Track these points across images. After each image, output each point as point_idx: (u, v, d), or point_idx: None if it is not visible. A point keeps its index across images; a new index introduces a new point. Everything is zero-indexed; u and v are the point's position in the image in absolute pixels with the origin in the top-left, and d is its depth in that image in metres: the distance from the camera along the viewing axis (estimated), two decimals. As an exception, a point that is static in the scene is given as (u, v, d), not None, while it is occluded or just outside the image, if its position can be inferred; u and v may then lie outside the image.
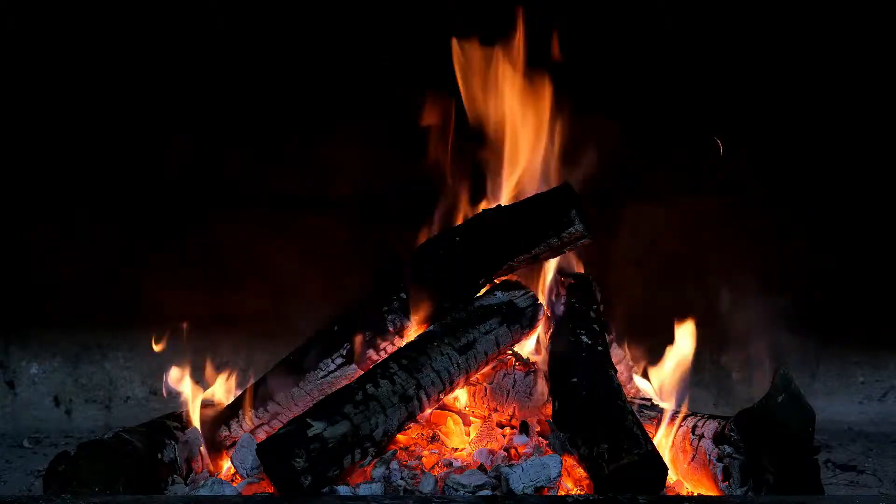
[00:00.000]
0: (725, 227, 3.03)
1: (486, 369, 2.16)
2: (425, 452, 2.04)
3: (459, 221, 2.32)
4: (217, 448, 2.16)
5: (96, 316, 3.06)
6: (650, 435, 1.89)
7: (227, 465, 2.15)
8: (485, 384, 2.19)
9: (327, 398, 1.93)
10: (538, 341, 2.25)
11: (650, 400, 2.21)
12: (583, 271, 2.40)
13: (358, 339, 2.13)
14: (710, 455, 1.88)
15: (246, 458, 1.98)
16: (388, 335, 2.15)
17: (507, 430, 2.16)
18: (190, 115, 2.96)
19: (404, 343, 2.12)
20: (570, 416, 1.93)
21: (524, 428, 2.12)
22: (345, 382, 2.03)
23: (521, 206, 2.21)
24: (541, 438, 2.07)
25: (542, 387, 2.15)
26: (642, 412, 2.11)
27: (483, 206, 2.35)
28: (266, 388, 2.18)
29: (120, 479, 1.81)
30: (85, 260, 3.01)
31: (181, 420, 2.14)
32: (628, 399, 1.99)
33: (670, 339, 2.32)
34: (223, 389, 2.31)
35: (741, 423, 1.84)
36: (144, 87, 2.96)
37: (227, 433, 2.16)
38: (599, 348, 2.12)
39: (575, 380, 1.98)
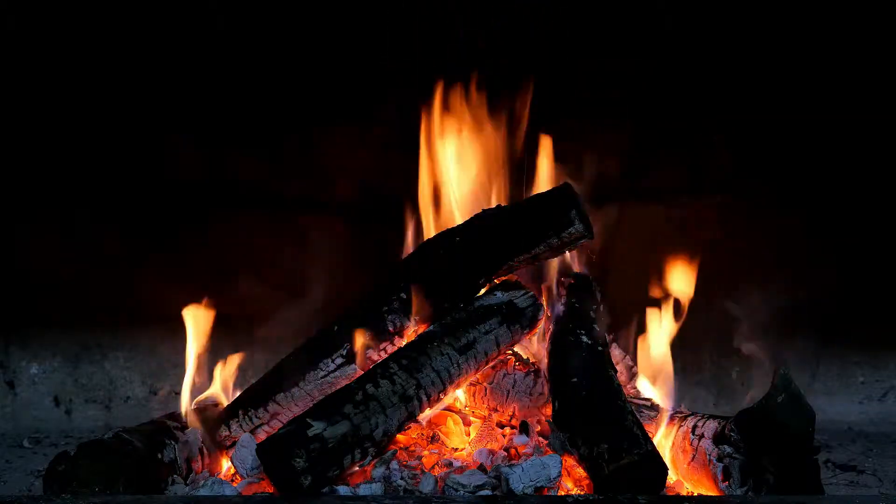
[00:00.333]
0: (725, 227, 3.03)
1: (486, 369, 2.16)
2: (425, 452, 2.04)
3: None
4: (217, 448, 2.16)
5: (96, 316, 3.06)
6: (650, 435, 1.89)
7: (227, 465, 2.15)
8: (485, 384, 2.19)
9: (327, 398, 1.93)
10: (538, 341, 2.25)
11: (650, 400, 2.21)
12: (583, 271, 2.40)
13: (358, 339, 2.13)
14: (710, 455, 1.88)
15: (246, 458, 1.98)
16: (388, 335, 2.15)
17: (507, 430, 2.16)
18: (190, 115, 2.96)
19: (404, 343, 2.12)
20: (570, 416, 1.93)
21: (524, 428, 2.12)
22: (345, 382, 2.03)
23: (521, 207, 2.21)
24: (541, 438, 2.07)
25: (542, 387, 2.15)
26: (642, 412, 2.11)
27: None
28: (266, 388, 2.18)
29: (120, 479, 1.81)
30: (85, 260, 3.01)
31: (181, 420, 2.14)
32: (628, 399, 1.99)
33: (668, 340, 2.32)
34: (223, 389, 2.31)
35: (741, 423, 1.84)
36: (144, 87, 2.96)
37: (227, 433, 2.16)
38: (599, 348, 2.12)
39: (575, 380, 1.98)
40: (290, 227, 3.04)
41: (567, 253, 2.26)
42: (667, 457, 1.96)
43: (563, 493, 1.84)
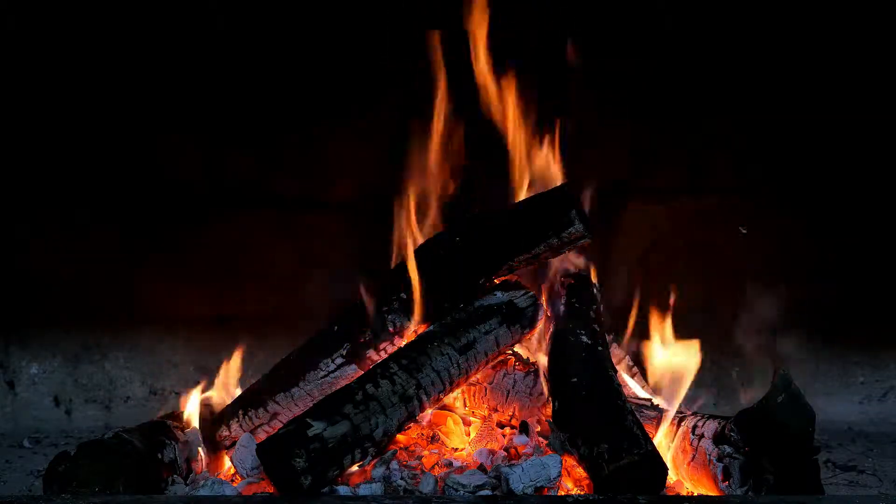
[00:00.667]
0: (725, 227, 3.03)
1: (486, 369, 2.16)
2: (425, 452, 2.04)
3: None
4: (217, 448, 2.16)
5: (96, 316, 3.06)
6: (650, 435, 1.89)
7: (227, 464, 2.15)
8: (485, 384, 2.19)
9: (327, 398, 1.93)
10: (538, 341, 2.25)
11: (650, 400, 2.21)
12: (584, 271, 2.40)
13: (358, 339, 2.13)
14: (710, 455, 1.88)
15: (246, 458, 1.98)
16: (388, 335, 2.15)
17: (507, 430, 2.16)
18: (190, 114, 2.96)
19: (404, 343, 2.12)
20: (570, 416, 1.93)
21: (524, 428, 2.12)
22: (345, 382, 2.03)
23: (521, 207, 2.21)
24: (541, 438, 2.07)
25: (541, 387, 2.15)
26: (642, 412, 2.11)
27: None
28: (266, 388, 2.18)
29: (120, 479, 1.81)
30: (85, 260, 3.01)
31: (181, 420, 2.14)
32: (628, 399, 1.99)
33: (669, 340, 2.32)
34: (223, 389, 2.31)
35: (741, 423, 1.83)
36: (144, 86, 2.96)
37: (227, 433, 2.16)
38: (599, 348, 2.12)
39: (575, 380, 1.98)
40: (290, 226, 3.04)
41: (567, 253, 2.25)
42: (667, 457, 1.96)
43: (563, 493, 1.84)
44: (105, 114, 2.98)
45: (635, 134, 3.01)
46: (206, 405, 2.21)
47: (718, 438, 1.88)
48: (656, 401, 2.22)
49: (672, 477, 1.98)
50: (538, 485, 1.81)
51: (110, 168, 3.00)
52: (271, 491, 1.84)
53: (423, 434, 2.12)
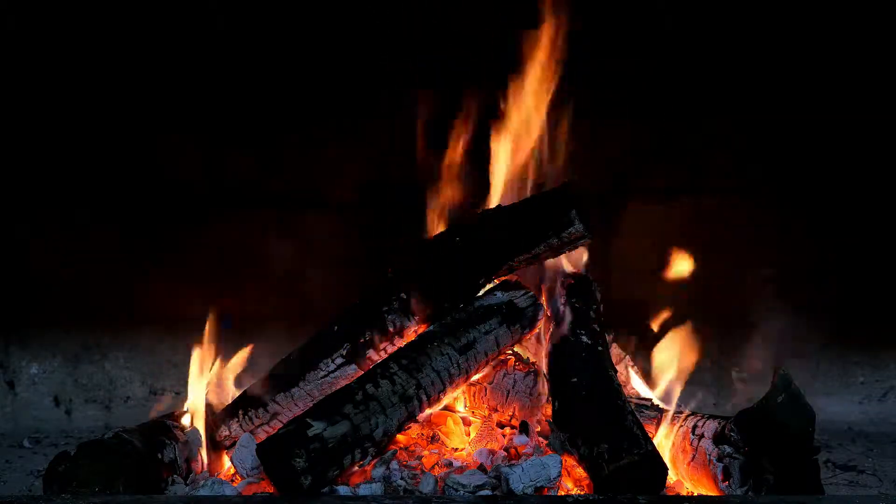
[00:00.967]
0: (725, 227, 3.03)
1: (487, 369, 2.16)
2: (425, 452, 2.04)
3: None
4: (217, 448, 2.16)
5: (96, 316, 3.07)
6: (650, 435, 1.89)
7: (227, 464, 2.15)
8: (485, 384, 2.19)
9: (327, 398, 1.93)
10: (538, 341, 2.25)
11: (650, 400, 2.21)
12: (584, 271, 2.40)
13: (358, 339, 2.13)
14: (710, 455, 1.88)
15: (246, 458, 1.98)
16: (388, 335, 2.15)
17: (507, 430, 2.16)
18: (190, 115, 2.97)
19: (404, 343, 2.12)
20: (570, 416, 1.93)
21: (524, 428, 2.12)
22: (345, 382, 2.03)
23: (521, 206, 2.20)
24: (541, 438, 2.07)
25: (542, 387, 2.15)
26: (642, 412, 2.11)
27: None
28: (266, 388, 2.18)
29: (120, 479, 1.81)
30: (85, 260, 3.01)
31: (181, 420, 2.14)
32: (628, 399, 1.99)
33: (669, 340, 2.32)
34: (223, 389, 2.31)
35: (741, 423, 1.84)
36: (144, 87, 2.96)
37: (227, 433, 2.16)
38: (599, 348, 2.12)
39: (575, 380, 1.98)
40: (290, 226, 3.04)
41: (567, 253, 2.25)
42: (667, 457, 1.96)
43: (563, 493, 1.84)
44: (105, 114, 2.98)
45: (635, 134, 3.01)
46: (206, 405, 2.20)
47: (718, 438, 1.88)
48: (656, 401, 2.23)
49: (672, 477, 1.98)
50: (538, 485, 1.81)
51: (110, 168, 3.01)
52: (271, 491, 1.84)
53: (423, 434, 2.12)
